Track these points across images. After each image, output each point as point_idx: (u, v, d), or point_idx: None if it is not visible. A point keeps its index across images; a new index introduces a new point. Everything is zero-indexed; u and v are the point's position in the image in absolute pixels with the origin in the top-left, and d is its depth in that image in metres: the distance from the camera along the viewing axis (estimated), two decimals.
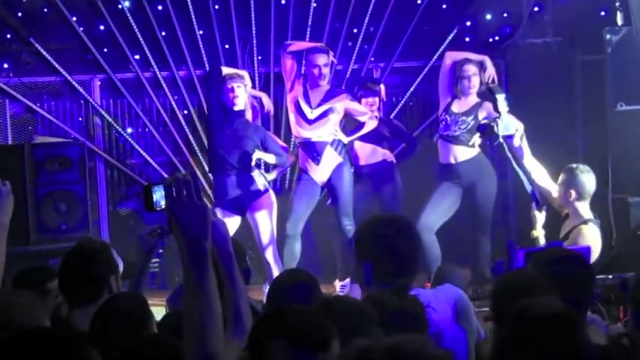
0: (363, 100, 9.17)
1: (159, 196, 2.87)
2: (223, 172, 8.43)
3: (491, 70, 8.60)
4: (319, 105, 8.69)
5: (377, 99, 9.25)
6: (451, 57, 8.77)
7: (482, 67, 8.61)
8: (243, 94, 8.36)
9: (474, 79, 8.56)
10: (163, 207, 2.86)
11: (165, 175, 10.50)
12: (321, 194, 9.08)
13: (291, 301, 4.09)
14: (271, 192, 8.53)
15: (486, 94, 8.25)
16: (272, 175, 9.00)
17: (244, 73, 8.70)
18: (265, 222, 8.39)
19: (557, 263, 4.08)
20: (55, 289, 4.73)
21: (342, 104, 8.73)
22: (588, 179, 7.16)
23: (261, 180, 8.43)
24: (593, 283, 4.15)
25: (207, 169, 9.95)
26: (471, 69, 8.60)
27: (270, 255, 8.36)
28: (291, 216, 8.74)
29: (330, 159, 8.71)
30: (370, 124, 8.88)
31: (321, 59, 8.68)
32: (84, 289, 4.34)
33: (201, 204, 2.82)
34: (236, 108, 8.34)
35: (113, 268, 4.46)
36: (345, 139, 8.83)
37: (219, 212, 8.12)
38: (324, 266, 9.74)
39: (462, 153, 8.64)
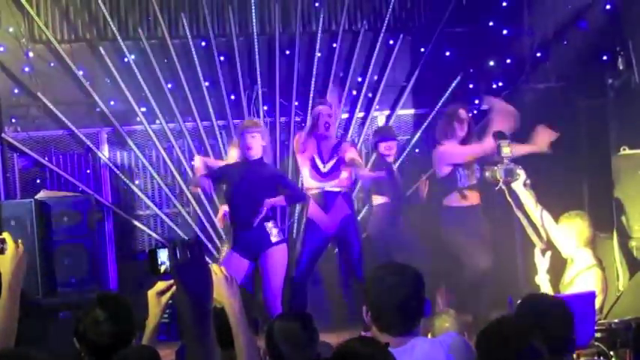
0: (382, 145, 9.36)
1: (163, 259, 2.94)
2: (238, 223, 8.41)
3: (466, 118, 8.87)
4: (330, 158, 8.85)
5: (394, 143, 9.45)
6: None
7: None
8: (258, 143, 8.39)
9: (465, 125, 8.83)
10: (168, 270, 2.93)
11: (173, 225, 10.54)
12: (330, 244, 9.13)
13: (286, 344, 4.14)
14: (284, 244, 8.44)
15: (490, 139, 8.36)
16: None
17: (260, 122, 8.82)
18: (274, 272, 8.30)
19: (536, 309, 4.12)
20: None
21: (347, 154, 8.85)
22: (586, 224, 7.27)
23: (274, 231, 8.40)
24: (572, 329, 4.14)
25: (214, 219, 10.05)
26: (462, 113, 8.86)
27: (273, 305, 8.30)
28: (299, 265, 8.79)
29: (339, 209, 8.81)
30: (364, 177, 9.22)
31: (323, 109, 8.87)
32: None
33: (205, 267, 2.87)
34: (251, 158, 8.38)
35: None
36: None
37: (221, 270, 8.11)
38: (333, 315, 9.74)
39: (475, 197, 8.83)
